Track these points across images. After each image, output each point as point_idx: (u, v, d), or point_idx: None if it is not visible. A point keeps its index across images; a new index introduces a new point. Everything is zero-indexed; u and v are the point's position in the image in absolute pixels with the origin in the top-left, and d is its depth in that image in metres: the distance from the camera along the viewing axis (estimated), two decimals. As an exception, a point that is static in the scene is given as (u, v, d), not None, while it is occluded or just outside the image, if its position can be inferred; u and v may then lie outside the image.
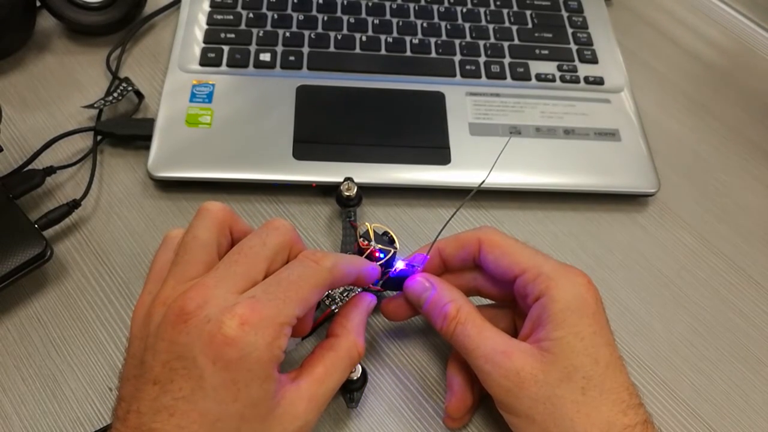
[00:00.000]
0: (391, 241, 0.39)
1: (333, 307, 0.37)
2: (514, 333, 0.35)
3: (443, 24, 0.54)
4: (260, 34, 0.51)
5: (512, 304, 0.37)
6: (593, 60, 0.53)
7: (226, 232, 0.32)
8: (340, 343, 0.32)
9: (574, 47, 0.54)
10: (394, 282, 0.37)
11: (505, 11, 0.56)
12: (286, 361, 0.29)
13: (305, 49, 0.51)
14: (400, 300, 0.37)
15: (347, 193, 0.42)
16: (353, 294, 0.37)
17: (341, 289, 0.38)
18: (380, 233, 0.39)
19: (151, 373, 0.27)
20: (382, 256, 0.37)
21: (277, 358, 0.28)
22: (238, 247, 0.30)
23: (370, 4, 0.55)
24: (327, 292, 0.38)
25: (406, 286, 0.36)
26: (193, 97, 0.47)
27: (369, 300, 0.35)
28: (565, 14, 0.57)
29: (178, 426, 0.26)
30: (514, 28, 0.55)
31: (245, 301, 0.27)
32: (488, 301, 0.38)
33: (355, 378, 0.35)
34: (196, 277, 0.29)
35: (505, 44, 0.53)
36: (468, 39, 0.53)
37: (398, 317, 0.38)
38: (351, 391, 0.36)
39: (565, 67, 0.53)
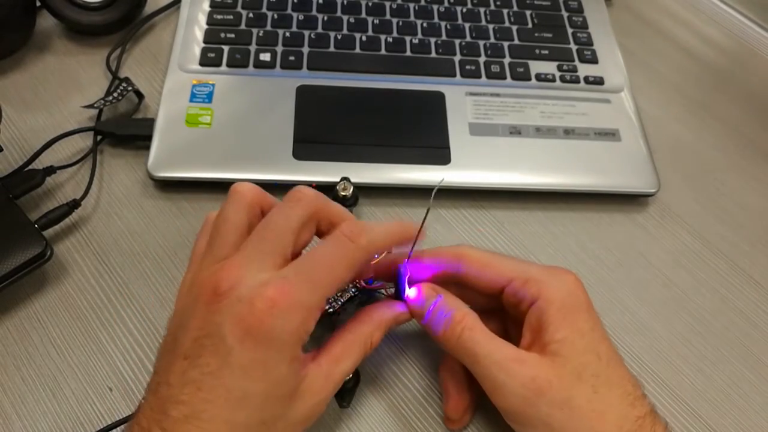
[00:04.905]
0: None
1: (327, 308, 0.37)
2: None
3: (443, 24, 0.54)
4: (260, 34, 0.51)
5: (499, 314, 0.36)
6: (593, 60, 0.53)
7: (257, 211, 0.32)
8: (361, 329, 0.33)
9: (574, 47, 0.54)
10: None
11: (505, 11, 0.56)
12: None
13: (305, 49, 0.51)
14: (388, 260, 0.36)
15: (343, 193, 0.42)
16: (347, 294, 0.37)
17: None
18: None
19: (182, 348, 0.28)
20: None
21: (303, 340, 0.29)
22: (263, 223, 0.31)
23: (370, 4, 0.54)
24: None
25: (408, 296, 0.35)
26: (193, 97, 0.47)
27: (402, 311, 0.35)
28: (565, 14, 0.57)
29: (204, 400, 0.27)
30: (514, 28, 0.55)
31: (276, 282, 0.28)
32: None
33: (347, 378, 0.35)
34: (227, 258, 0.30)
35: (505, 44, 0.53)
36: (468, 39, 0.53)
37: (383, 276, 0.37)
38: (342, 391, 0.35)
39: (565, 67, 0.52)
